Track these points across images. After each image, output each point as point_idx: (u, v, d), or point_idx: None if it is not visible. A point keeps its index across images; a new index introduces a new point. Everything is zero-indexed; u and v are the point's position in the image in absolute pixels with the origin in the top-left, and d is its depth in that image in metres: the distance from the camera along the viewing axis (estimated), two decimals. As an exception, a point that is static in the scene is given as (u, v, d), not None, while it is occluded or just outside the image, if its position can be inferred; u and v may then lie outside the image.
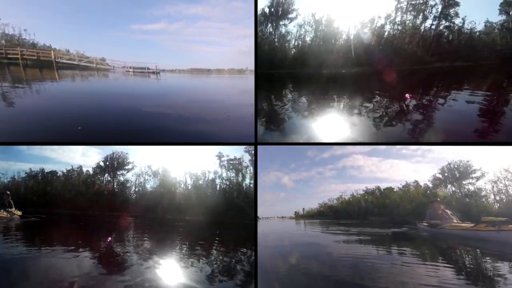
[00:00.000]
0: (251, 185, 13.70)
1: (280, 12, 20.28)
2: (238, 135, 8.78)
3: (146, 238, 8.77)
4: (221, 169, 14.67)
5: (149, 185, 15.63)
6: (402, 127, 8.09)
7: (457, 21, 20.28)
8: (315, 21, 21.10)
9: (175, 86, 19.56)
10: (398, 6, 21.17)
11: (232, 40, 22.78)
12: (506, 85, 13.56)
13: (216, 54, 24.81)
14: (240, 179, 14.36)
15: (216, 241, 8.58)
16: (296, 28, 21.32)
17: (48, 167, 15.98)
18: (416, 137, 7.83)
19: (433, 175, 12.79)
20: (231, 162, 14.57)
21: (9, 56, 19.44)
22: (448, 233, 8.02)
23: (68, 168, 15.85)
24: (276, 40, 20.92)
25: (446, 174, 12.20)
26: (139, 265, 5.49)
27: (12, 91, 12.12)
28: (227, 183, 14.51)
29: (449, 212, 8.84)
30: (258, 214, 8.94)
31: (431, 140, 8.11)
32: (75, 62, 21.91)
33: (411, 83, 16.32)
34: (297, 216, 19.79)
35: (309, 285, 4.54)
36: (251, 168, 13.95)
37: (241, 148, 13.62)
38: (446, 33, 21.07)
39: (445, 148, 11.79)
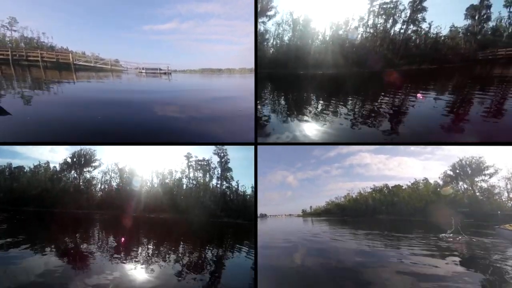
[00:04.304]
0: (218, 185, 14.88)
1: (259, 9, 19.41)
2: (239, 135, 8.71)
3: (112, 235, 8.98)
4: (188, 169, 15.27)
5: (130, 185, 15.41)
6: (379, 127, 8.20)
7: (424, 25, 21.40)
8: (293, 20, 20.65)
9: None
10: (371, 9, 21.72)
11: (242, 37, 22.17)
12: (469, 86, 14.27)
13: (226, 53, 24.73)
14: (207, 179, 15.00)
15: (182, 238, 8.84)
16: (275, 26, 20.75)
17: (16, 162, 15.58)
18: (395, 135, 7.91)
19: (444, 172, 12.37)
20: (199, 163, 15.16)
21: (29, 58, 19.77)
22: None
23: (36, 164, 15.58)
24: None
25: (457, 171, 11.83)
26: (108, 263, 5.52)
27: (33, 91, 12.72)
28: (194, 182, 15.11)
29: None
30: (266, 212, 9.08)
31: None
32: (91, 64, 22.29)
33: (385, 84, 16.77)
34: (305, 214, 19.23)
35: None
36: (219, 170, 14.91)
37: (211, 149, 14.14)
38: (413, 37, 22.14)
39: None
